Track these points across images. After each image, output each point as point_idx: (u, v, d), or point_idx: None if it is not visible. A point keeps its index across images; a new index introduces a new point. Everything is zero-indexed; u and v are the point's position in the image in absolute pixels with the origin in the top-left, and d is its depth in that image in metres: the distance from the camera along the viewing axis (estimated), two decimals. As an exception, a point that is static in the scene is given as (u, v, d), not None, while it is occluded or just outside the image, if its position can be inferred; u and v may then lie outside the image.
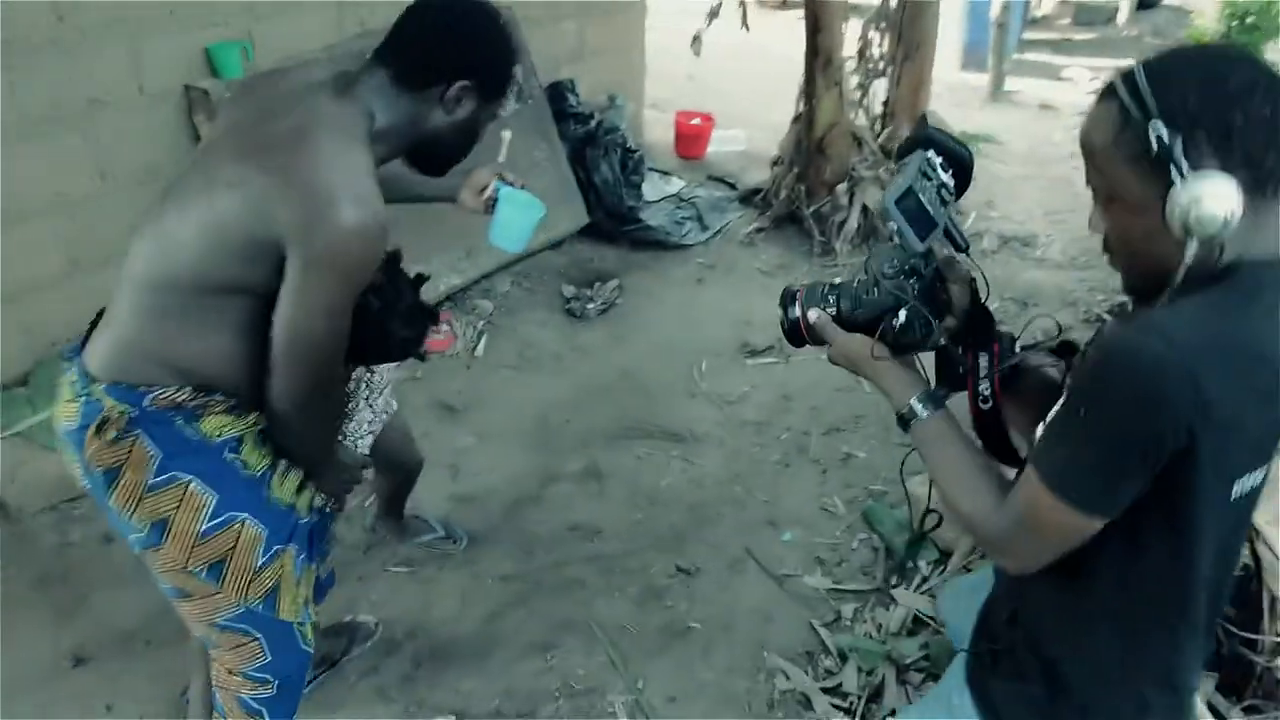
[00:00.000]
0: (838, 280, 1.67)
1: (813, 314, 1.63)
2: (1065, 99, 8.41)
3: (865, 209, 5.34)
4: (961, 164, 1.64)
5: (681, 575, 3.19)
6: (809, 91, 5.30)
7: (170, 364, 1.80)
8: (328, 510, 2.09)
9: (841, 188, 5.35)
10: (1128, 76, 1.27)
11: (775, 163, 5.73)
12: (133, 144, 3.70)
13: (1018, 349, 1.68)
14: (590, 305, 4.67)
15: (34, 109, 3.39)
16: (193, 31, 3.77)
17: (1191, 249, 1.23)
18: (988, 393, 1.61)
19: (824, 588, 3.14)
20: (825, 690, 2.77)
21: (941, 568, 3.12)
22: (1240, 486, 1.32)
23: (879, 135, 5.58)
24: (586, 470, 3.66)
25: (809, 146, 5.35)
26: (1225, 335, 1.24)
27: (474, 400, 4.02)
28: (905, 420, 1.55)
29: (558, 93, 5.32)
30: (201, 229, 1.74)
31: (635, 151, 5.42)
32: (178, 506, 1.81)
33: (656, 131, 6.58)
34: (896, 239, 1.54)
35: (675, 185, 5.82)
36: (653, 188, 5.64)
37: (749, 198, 5.90)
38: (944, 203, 1.60)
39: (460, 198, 2.42)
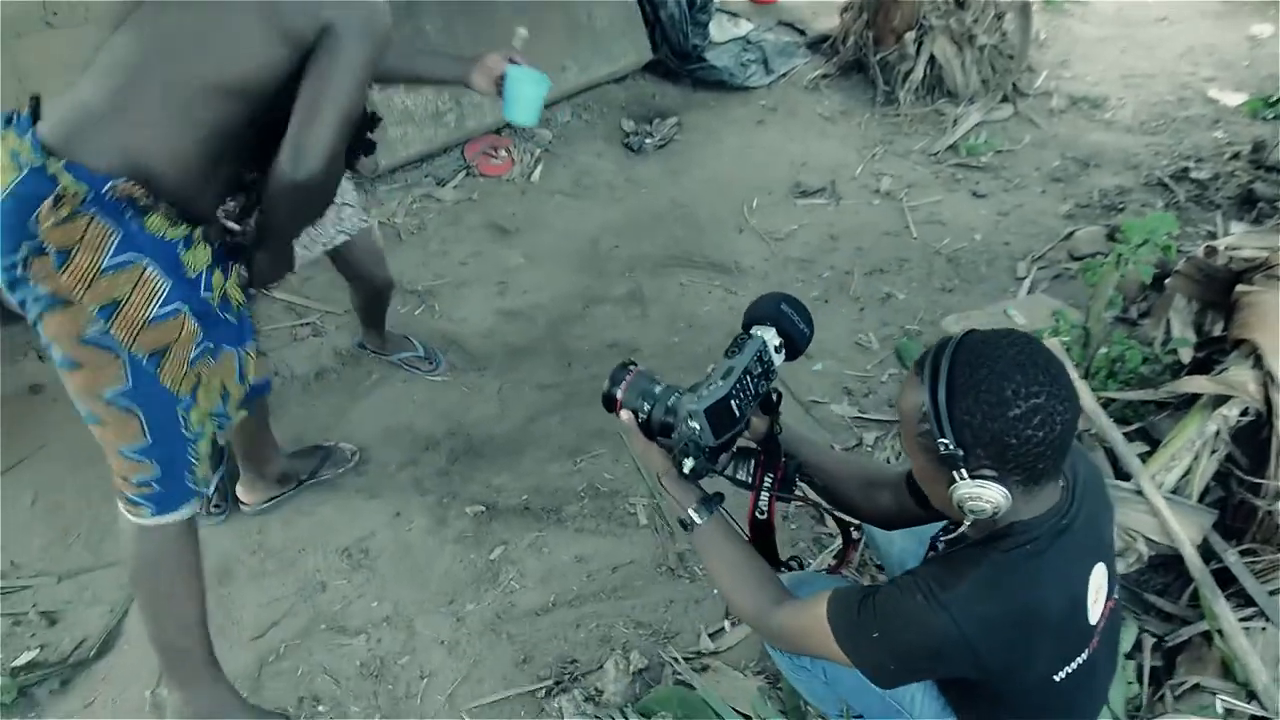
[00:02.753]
0: (660, 387, 1.78)
1: (625, 414, 1.79)
2: (1162, -41, 8.09)
3: (932, 59, 5.25)
4: (795, 343, 1.84)
5: (712, 395, 3.31)
6: (883, -65, 5.19)
7: (132, 158, 1.81)
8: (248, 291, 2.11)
9: (909, 36, 5.26)
10: (934, 377, 1.44)
11: (845, 9, 5.64)
12: None
13: (798, 482, 1.94)
14: (648, 140, 4.71)
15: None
16: None
17: (968, 522, 1.49)
18: (765, 507, 1.87)
19: (849, 415, 3.24)
20: (839, 507, 2.90)
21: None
22: (1063, 672, 1.57)
23: (954, -17, 5.45)
24: (630, 294, 3.77)
25: (879, -9, 5.27)
26: (1003, 602, 1.47)
27: (526, 223, 4.12)
28: (685, 525, 1.79)
29: (629, -74, 5.26)
30: (233, 25, 1.81)
31: (704, -10, 5.37)
32: (132, 288, 1.82)
33: (731, -27, 6.49)
34: (694, 427, 1.68)
35: (744, 28, 5.75)
36: (720, 29, 5.58)
37: (817, 44, 5.82)
38: (757, 395, 1.78)
39: (473, 80, 2.54)
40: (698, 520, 1.76)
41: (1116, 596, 1.65)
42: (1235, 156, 4.90)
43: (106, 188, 1.78)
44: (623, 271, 3.89)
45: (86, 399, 1.94)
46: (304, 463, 2.96)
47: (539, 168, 4.47)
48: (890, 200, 4.49)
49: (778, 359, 1.82)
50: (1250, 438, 2.75)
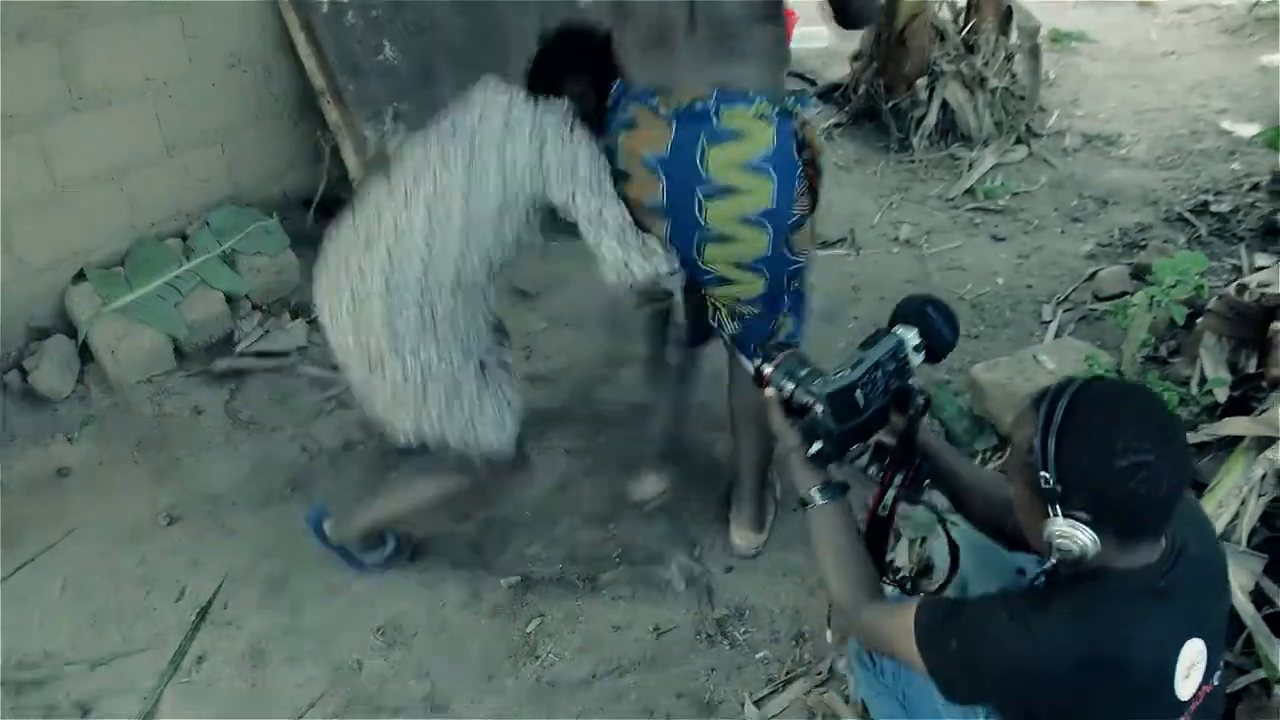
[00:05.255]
0: (807, 370, 1.82)
1: (769, 390, 1.84)
2: (1166, -6, 8.12)
3: (945, 104, 5.27)
4: (937, 347, 1.87)
5: (744, 453, 3.27)
6: (891, -18, 5.22)
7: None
8: None
9: (921, 82, 5.28)
10: (1049, 414, 1.45)
11: (855, 57, 5.66)
12: (221, 29, 3.80)
13: (927, 487, 1.93)
14: (666, 196, 4.71)
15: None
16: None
17: (1052, 560, 1.48)
18: (889, 504, 1.89)
19: (883, 469, 3.20)
20: (879, 564, 2.85)
21: (999, 453, 3.17)
22: None
23: (962, 29, 5.47)
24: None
25: (889, 39, 5.28)
26: (1089, 638, 1.45)
27: (548, 286, 4.10)
28: (805, 503, 1.81)
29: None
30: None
31: (714, 45, 5.38)
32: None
33: (738, 28, 6.52)
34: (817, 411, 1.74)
35: (754, 80, 5.77)
36: (732, 83, 5.60)
37: (828, 93, 5.84)
38: (886, 391, 1.79)
39: None
40: (818, 500, 1.78)
41: (1217, 682, 1.60)
42: (1255, 187, 4.87)
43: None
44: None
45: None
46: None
47: (557, 230, 4.46)
48: (910, 248, 4.48)
49: (916, 359, 1.84)
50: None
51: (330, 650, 2.69)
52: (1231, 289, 3.28)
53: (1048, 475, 1.43)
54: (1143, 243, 4.47)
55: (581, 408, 3.49)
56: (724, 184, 2.25)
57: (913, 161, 5.21)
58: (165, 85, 3.69)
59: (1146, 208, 4.82)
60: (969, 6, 5.54)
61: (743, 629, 2.72)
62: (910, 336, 1.83)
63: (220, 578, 2.87)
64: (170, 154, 3.79)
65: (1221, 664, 1.61)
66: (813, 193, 2.40)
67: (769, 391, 1.83)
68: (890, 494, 1.89)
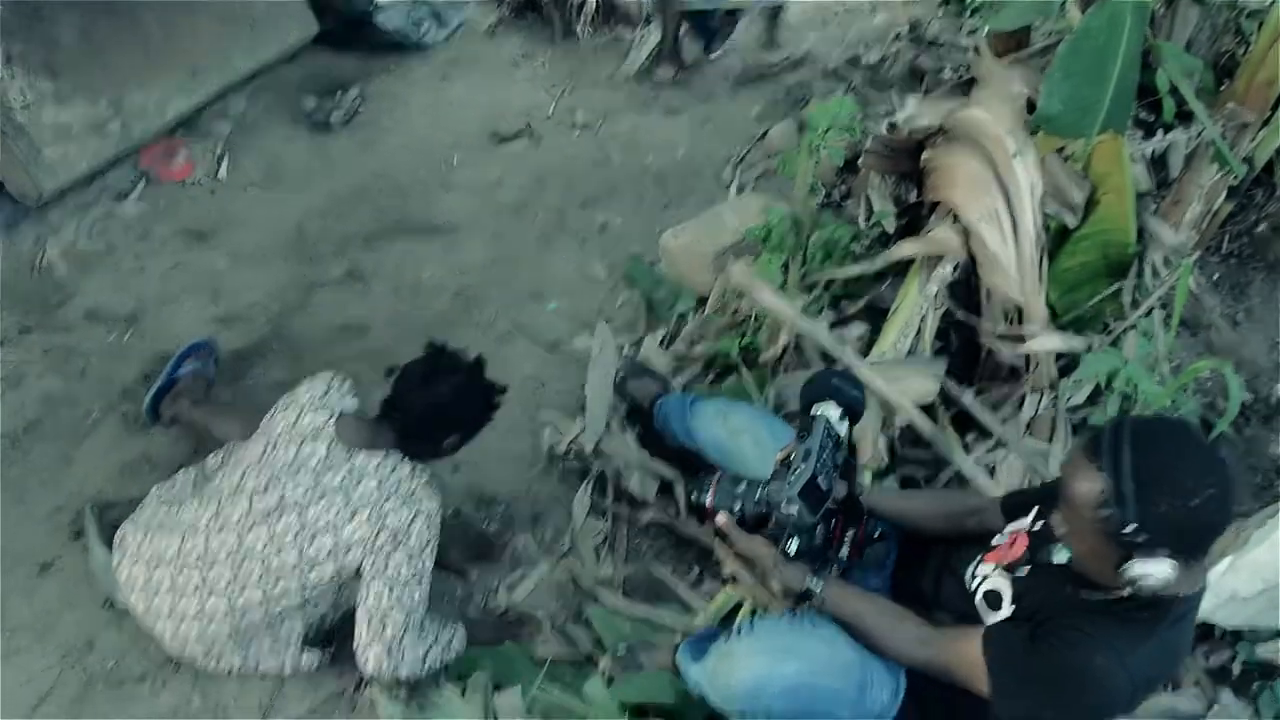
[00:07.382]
0: (744, 484, 1.98)
1: (722, 517, 1.96)
2: None
3: (601, -16, 5.30)
4: (855, 410, 2.08)
5: (454, 356, 3.26)
6: None
7: None
8: None
9: (575, -33, 5.27)
10: (1118, 471, 1.58)
11: (505, -48, 5.58)
12: None
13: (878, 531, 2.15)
14: (334, 114, 4.52)
15: None
16: None
17: (1127, 593, 1.64)
18: (845, 558, 2.05)
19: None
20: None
21: (699, 310, 3.30)
22: None
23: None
24: (349, 273, 3.65)
25: (534, -72, 5.24)
26: (1167, 669, 1.76)
27: (223, 223, 3.88)
28: (807, 597, 1.94)
29: (266, -104, 5.01)
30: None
31: (358, -49, 5.18)
32: None
33: (382, -67, 6.29)
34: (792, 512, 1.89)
35: (408, -16, 5.60)
36: (384, -11, 5.42)
37: (486, -10, 5.75)
38: (835, 467, 1.97)
39: None
40: (816, 590, 1.92)
41: None
42: (897, 37, 5.19)
43: None
44: (336, 253, 3.75)
45: None
46: None
47: (224, 163, 4.20)
48: (589, 132, 4.51)
49: (843, 429, 2.02)
50: (964, 286, 2.96)
51: (54, 636, 2.53)
52: (884, 128, 3.51)
53: (1133, 526, 1.56)
54: (805, 99, 4.70)
55: (281, 340, 3.36)
56: None
57: (579, 48, 5.22)
58: None
59: (806, 66, 5.04)
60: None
61: (482, 520, 2.75)
62: (831, 411, 2.01)
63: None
64: None
65: None
66: None
67: (720, 518, 1.95)
68: (844, 549, 2.04)
